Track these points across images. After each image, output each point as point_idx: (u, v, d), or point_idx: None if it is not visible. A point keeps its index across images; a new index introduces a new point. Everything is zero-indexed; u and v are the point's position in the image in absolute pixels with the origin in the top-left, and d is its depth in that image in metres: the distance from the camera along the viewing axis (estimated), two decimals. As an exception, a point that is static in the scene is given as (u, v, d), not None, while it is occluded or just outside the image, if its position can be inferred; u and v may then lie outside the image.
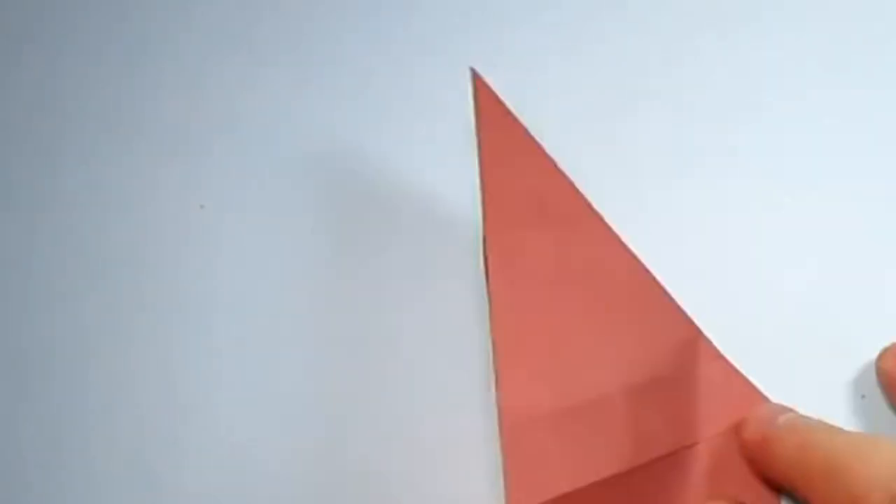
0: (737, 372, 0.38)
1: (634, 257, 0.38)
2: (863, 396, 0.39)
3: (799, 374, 0.39)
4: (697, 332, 0.38)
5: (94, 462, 0.39)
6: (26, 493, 0.39)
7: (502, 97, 0.36)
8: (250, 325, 0.41)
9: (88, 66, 0.45)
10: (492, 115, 0.36)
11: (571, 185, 0.37)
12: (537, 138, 0.37)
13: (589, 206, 0.37)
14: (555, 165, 0.37)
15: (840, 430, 0.35)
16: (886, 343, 0.39)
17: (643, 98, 0.44)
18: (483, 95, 0.36)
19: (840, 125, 0.43)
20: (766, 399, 0.38)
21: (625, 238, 0.39)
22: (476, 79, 0.36)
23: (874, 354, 0.39)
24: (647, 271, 0.38)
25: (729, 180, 0.42)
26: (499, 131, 0.36)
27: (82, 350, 0.41)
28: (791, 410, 0.37)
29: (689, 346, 0.38)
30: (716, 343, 0.38)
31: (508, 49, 0.45)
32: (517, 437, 0.34)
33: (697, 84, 0.44)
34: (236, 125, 0.44)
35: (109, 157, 0.44)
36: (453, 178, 0.43)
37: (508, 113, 0.36)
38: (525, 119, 0.43)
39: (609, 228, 0.37)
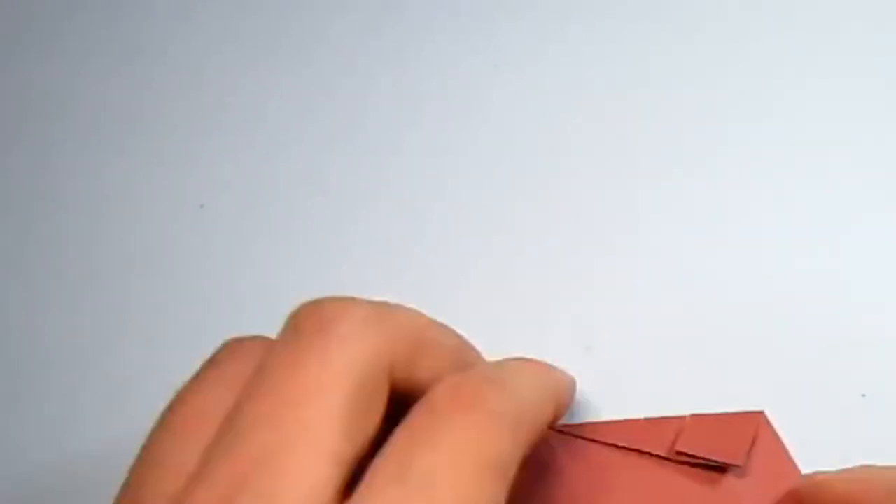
0: None
1: None
2: (863, 396, 0.39)
3: (799, 373, 0.39)
4: None
5: (92, 462, 0.39)
6: (26, 492, 0.39)
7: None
8: (250, 325, 0.41)
9: (87, 66, 0.45)
10: None
11: None
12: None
13: None
14: None
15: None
16: (886, 343, 0.39)
17: (643, 98, 0.44)
18: None
19: (843, 125, 0.43)
20: None
21: (623, 237, 0.39)
22: None
23: (874, 354, 0.39)
24: None
25: (728, 180, 0.42)
26: None
27: (80, 351, 0.41)
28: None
29: None
30: (713, 342, 0.39)
31: (508, 48, 0.45)
32: None
33: (696, 84, 0.44)
34: (236, 125, 0.44)
35: (108, 158, 0.44)
36: (453, 178, 0.43)
37: None
38: (525, 118, 0.43)
39: None
